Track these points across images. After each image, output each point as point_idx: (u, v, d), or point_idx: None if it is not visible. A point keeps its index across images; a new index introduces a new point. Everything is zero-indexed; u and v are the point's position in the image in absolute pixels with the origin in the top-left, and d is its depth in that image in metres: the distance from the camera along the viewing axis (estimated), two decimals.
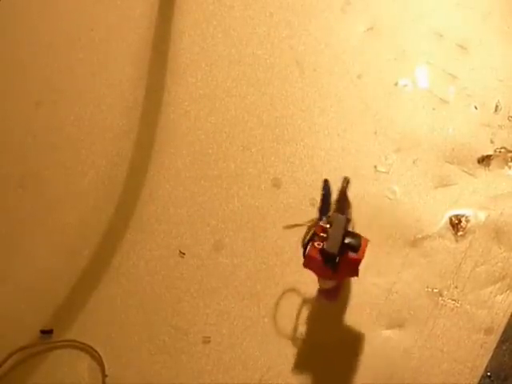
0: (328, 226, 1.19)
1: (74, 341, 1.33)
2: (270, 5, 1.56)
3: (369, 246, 1.34)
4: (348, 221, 1.21)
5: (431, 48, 1.49)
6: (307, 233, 1.21)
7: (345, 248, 1.18)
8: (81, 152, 1.46)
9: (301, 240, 1.21)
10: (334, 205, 1.29)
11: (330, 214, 1.25)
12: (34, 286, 1.37)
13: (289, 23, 1.54)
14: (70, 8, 1.59)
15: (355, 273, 1.22)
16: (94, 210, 1.42)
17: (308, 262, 1.21)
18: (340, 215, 1.21)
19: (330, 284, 1.26)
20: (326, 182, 1.29)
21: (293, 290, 1.33)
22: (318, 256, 1.19)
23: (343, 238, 1.18)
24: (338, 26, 1.53)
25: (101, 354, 1.32)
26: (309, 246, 1.20)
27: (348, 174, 1.41)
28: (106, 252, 1.38)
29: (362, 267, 1.23)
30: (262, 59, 1.51)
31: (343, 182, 1.31)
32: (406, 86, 1.47)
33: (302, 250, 1.20)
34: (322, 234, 1.19)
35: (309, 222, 1.24)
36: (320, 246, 1.19)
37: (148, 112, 1.49)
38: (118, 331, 1.33)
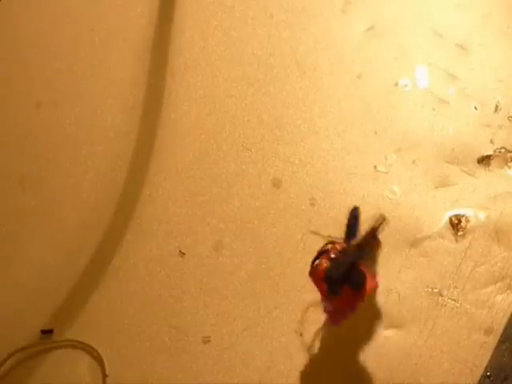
0: (340, 250, 1.19)
1: (75, 341, 1.33)
2: (270, 5, 1.56)
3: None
4: (362, 258, 1.19)
5: (431, 48, 1.49)
6: (324, 246, 1.20)
7: (346, 281, 1.17)
8: (81, 152, 1.47)
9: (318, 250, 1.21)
10: (363, 237, 1.24)
11: (355, 241, 1.22)
12: (34, 285, 1.37)
13: (289, 23, 1.54)
14: (70, 8, 1.59)
15: (351, 309, 1.21)
16: (93, 210, 1.42)
17: (312, 273, 1.20)
18: (354, 252, 1.19)
19: (328, 306, 1.25)
20: (355, 208, 1.24)
21: (293, 290, 1.33)
22: (321, 272, 1.18)
23: (349, 272, 1.17)
24: (338, 25, 1.53)
25: (101, 353, 1.32)
26: (318, 260, 1.20)
27: (348, 174, 1.41)
28: (106, 252, 1.38)
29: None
30: (262, 59, 1.51)
31: (379, 219, 1.26)
32: (405, 85, 1.47)
33: (312, 259, 1.20)
34: (332, 255, 1.19)
35: (331, 237, 1.23)
36: (326, 265, 1.18)
37: (148, 112, 1.49)
38: (118, 331, 1.33)
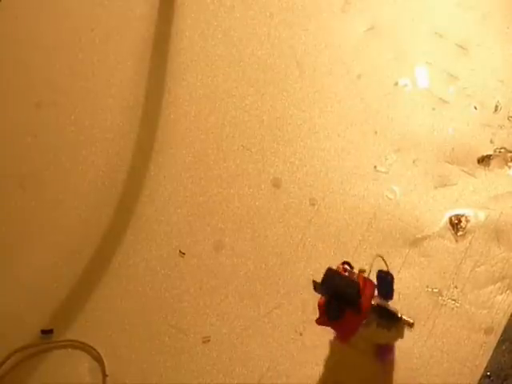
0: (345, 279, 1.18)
1: (75, 341, 1.33)
2: (270, 5, 1.56)
3: (369, 245, 1.35)
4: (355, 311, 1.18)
5: (431, 48, 1.49)
6: (355, 272, 1.21)
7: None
8: (81, 152, 1.47)
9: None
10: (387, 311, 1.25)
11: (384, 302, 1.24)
12: (34, 285, 1.37)
13: (289, 23, 1.54)
14: (71, 8, 1.59)
15: (342, 339, 1.23)
16: (94, 210, 1.42)
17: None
18: (348, 303, 1.17)
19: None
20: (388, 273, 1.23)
21: (292, 290, 1.33)
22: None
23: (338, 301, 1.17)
24: (338, 25, 1.53)
25: (101, 353, 1.32)
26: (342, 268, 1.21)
27: (348, 174, 1.41)
28: (106, 252, 1.38)
29: None
30: (262, 59, 1.51)
31: (408, 324, 1.27)
32: (405, 85, 1.47)
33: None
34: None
35: (363, 272, 1.21)
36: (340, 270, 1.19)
37: (148, 112, 1.49)
38: (118, 331, 1.33)
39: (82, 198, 1.43)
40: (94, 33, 1.56)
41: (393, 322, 1.24)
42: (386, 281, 1.21)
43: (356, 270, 1.20)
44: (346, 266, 1.20)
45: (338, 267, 1.20)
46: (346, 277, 1.18)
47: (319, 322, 1.20)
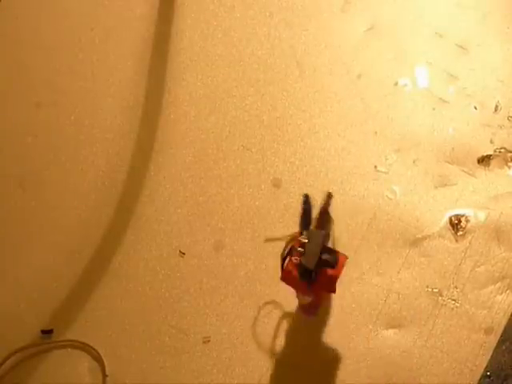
0: (306, 240, 1.18)
1: (75, 341, 1.33)
2: (270, 5, 1.56)
3: (369, 245, 1.35)
4: (326, 236, 1.19)
5: (431, 48, 1.49)
6: (286, 247, 1.20)
7: (321, 264, 1.17)
8: (81, 152, 1.47)
9: (280, 254, 1.21)
10: (315, 220, 1.24)
11: (310, 229, 1.22)
12: (34, 285, 1.37)
13: (289, 23, 1.54)
14: (71, 8, 1.59)
15: (332, 289, 1.21)
16: (94, 209, 1.42)
17: (285, 277, 1.20)
18: (317, 230, 1.20)
19: (307, 299, 1.26)
20: (306, 196, 1.24)
21: (292, 290, 1.33)
22: (294, 271, 1.18)
23: (320, 254, 1.17)
24: (338, 25, 1.53)
25: (101, 353, 1.32)
26: (286, 261, 1.20)
27: (348, 174, 1.41)
28: (106, 252, 1.38)
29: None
30: (262, 59, 1.51)
31: (326, 197, 1.28)
32: (405, 85, 1.47)
33: (280, 264, 1.20)
34: (299, 249, 1.18)
35: (289, 235, 1.22)
36: (297, 261, 1.18)
37: (148, 112, 1.49)
38: (118, 331, 1.33)
39: (82, 198, 1.43)
40: (93, 32, 1.56)
41: (328, 221, 1.25)
42: (307, 208, 1.22)
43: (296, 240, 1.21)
44: (298, 250, 1.20)
45: (293, 258, 1.20)
46: (308, 247, 1.19)
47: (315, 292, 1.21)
